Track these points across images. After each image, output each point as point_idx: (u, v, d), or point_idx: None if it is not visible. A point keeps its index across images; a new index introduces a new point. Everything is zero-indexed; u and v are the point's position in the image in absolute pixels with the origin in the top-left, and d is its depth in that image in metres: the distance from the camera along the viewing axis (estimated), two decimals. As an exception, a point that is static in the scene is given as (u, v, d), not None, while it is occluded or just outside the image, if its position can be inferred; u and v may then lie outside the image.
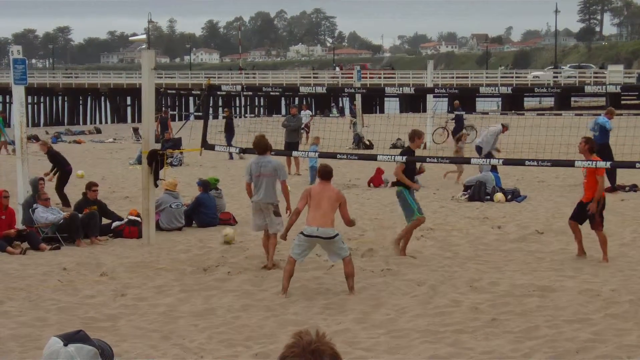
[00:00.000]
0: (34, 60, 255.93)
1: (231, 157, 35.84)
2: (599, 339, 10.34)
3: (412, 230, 15.99)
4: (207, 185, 20.24)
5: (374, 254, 15.96)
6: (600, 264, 14.91)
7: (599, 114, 25.70)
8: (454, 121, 40.36)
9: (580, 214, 15.53)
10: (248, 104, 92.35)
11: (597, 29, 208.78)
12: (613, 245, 16.68)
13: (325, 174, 13.23)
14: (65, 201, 22.08)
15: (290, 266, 12.96)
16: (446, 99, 49.84)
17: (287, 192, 15.24)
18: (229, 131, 37.45)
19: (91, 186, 19.40)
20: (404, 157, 15.61)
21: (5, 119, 42.37)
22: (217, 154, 27.94)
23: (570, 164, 15.87)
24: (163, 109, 48.39)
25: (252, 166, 15.12)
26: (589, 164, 15.28)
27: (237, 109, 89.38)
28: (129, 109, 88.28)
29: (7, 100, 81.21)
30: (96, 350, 3.70)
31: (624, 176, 25.62)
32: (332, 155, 18.10)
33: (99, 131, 60.16)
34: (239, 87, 28.63)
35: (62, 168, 23.16)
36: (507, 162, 18.09)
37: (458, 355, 9.85)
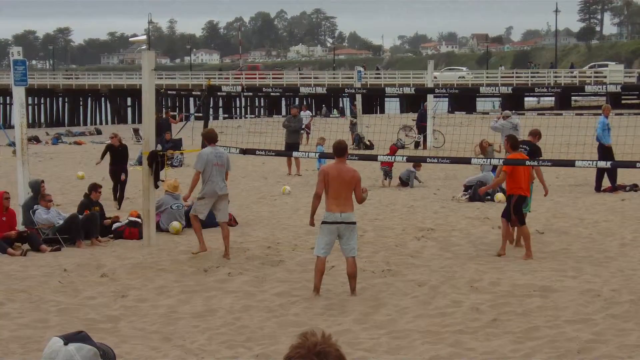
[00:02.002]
0: (34, 62, 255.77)
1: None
2: (599, 339, 10.35)
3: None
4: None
5: (374, 255, 15.98)
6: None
7: (600, 114, 25.67)
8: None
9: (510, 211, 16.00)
10: (248, 104, 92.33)
11: (598, 28, 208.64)
12: (613, 245, 16.76)
13: (340, 150, 12.94)
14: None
15: (320, 265, 12.84)
16: (447, 99, 49.89)
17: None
18: (160, 134, 37.58)
19: (96, 187, 19.44)
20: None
21: None
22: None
23: (570, 163, 15.89)
24: (164, 109, 48.38)
25: (209, 156, 15.98)
26: (588, 165, 15.33)
27: (238, 109, 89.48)
28: (129, 110, 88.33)
29: (8, 101, 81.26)
30: (96, 351, 3.69)
31: (624, 176, 25.64)
32: (333, 156, 18.09)
33: (99, 132, 60.14)
34: (239, 88, 28.63)
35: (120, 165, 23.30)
36: (508, 162, 18.09)
37: (459, 356, 9.86)
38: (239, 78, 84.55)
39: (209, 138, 16.31)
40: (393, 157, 19.67)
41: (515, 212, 15.85)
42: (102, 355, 3.73)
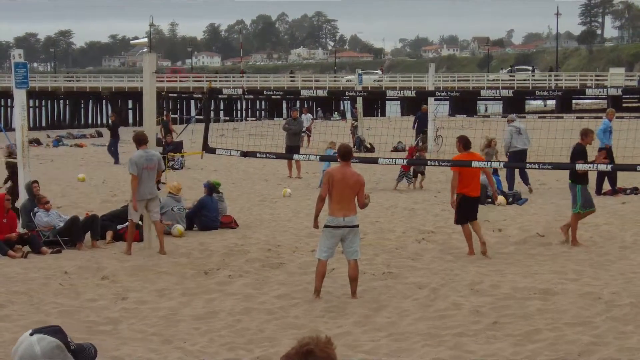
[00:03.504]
0: (35, 64, 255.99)
1: (117, 162, 36.27)
2: (600, 342, 10.35)
3: (576, 221, 16.93)
4: (212, 189, 20.30)
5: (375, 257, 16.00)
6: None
7: (601, 117, 25.70)
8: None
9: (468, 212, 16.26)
10: (249, 107, 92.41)
11: (599, 32, 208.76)
12: (614, 248, 16.78)
13: (346, 154, 12.96)
14: None
15: (322, 268, 12.88)
16: (447, 102, 49.94)
17: (158, 179, 17.02)
18: (115, 136, 37.83)
19: None
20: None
21: None
22: (219, 157, 27.97)
23: (571, 167, 15.91)
24: (165, 112, 48.49)
25: (139, 160, 16.43)
26: (589, 167, 15.37)
27: (239, 112, 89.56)
28: (130, 112, 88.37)
29: (9, 103, 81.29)
30: (59, 343, 3.65)
31: (625, 179, 25.63)
32: (333, 159, 18.12)
33: (100, 135, 60.16)
34: (240, 91, 28.63)
35: None
36: (508, 165, 18.13)
37: (459, 358, 9.87)
38: (162, 80, 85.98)
39: (139, 141, 16.82)
40: (397, 160, 19.67)
41: (455, 210, 16.26)
42: (73, 351, 3.70)
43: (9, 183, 23.23)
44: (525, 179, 25.41)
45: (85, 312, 12.27)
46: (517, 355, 9.95)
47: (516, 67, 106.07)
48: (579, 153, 16.65)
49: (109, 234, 18.13)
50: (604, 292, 12.91)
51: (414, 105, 74.42)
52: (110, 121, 41.43)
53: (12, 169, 22.46)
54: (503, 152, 26.17)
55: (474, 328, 11.15)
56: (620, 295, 12.69)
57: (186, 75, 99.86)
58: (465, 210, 16.17)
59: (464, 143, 16.39)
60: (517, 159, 24.65)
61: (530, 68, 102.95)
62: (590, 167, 15.85)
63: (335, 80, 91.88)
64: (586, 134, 17.02)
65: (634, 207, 22.35)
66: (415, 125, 41.37)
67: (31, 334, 3.65)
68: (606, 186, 24.58)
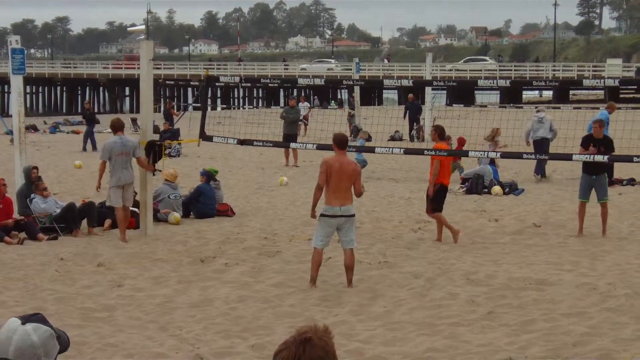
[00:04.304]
0: (32, 50, 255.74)
1: (84, 149, 36.33)
2: (595, 333, 10.39)
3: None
4: (209, 176, 20.31)
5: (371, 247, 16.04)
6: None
7: (598, 107, 25.75)
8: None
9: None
10: (247, 95, 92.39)
11: (596, 22, 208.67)
12: (610, 238, 16.84)
13: (341, 142, 12.99)
14: None
15: (317, 257, 12.90)
16: (444, 92, 49.92)
17: (145, 166, 17.04)
18: (90, 124, 37.90)
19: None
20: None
21: None
22: (216, 145, 27.97)
23: (567, 157, 15.94)
24: (167, 100, 48.48)
25: (113, 146, 16.82)
26: (586, 158, 15.40)
27: (236, 100, 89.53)
28: (127, 100, 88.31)
29: (6, 89, 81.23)
30: (52, 332, 3.75)
31: (621, 170, 25.68)
32: (330, 147, 18.15)
33: (97, 121, 60.09)
34: (237, 79, 28.53)
35: None
36: (505, 155, 18.17)
37: (454, 348, 9.89)
38: (121, 67, 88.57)
39: (114, 127, 17.23)
40: (389, 149, 19.65)
41: (432, 199, 16.51)
42: (57, 338, 3.80)
43: None
44: (538, 168, 25.62)
45: (81, 299, 12.30)
46: (512, 345, 9.97)
47: (470, 57, 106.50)
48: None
49: (107, 222, 18.14)
50: (599, 282, 12.95)
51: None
52: (86, 108, 41.36)
53: None
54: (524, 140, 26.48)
55: (469, 318, 11.18)
56: (615, 286, 12.73)
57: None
58: (442, 199, 16.60)
59: (439, 132, 16.75)
60: (538, 148, 24.89)
61: (486, 58, 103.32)
62: (586, 158, 15.87)
63: (285, 69, 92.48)
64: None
65: (631, 198, 22.43)
66: (406, 115, 41.34)
67: (23, 323, 3.69)
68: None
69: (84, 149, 36.36)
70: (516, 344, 10.03)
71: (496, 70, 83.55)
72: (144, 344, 10.16)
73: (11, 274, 13.86)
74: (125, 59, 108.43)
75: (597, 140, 16.84)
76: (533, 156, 17.86)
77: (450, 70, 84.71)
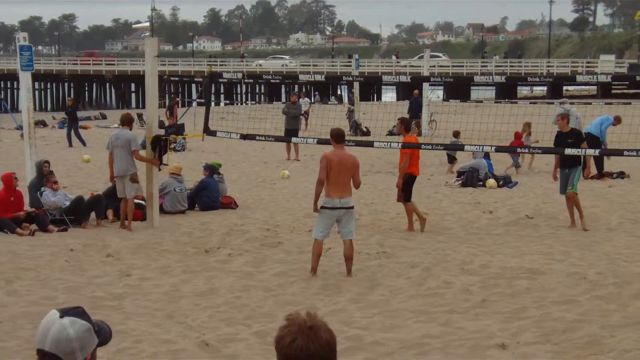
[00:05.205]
0: (40, 47, 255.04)
1: (71, 145, 36.44)
2: (584, 320, 10.54)
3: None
4: (213, 170, 20.54)
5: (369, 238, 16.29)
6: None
7: (590, 102, 26.11)
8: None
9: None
10: (249, 91, 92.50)
11: (591, 19, 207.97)
12: (600, 230, 17.02)
13: (339, 137, 13.22)
14: None
15: (318, 247, 13.10)
16: (442, 87, 50.08)
17: (140, 159, 17.54)
18: (73, 120, 38.00)
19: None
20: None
21: None
22: (220, 140, 28.30)
23: (560, 151, 16.32)
24: (172, 95, 48.67)
25: (112, 139, 17.50)
26: (577, 152, 15.79)
27: (239, 96, 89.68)
28: (133, 95, 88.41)
29: (15, 86, 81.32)
30: (90, 326, 3.73)
31: (612, 163, 26.01)
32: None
33: (104, 117, 60.34)
34: (239, 75, 28.89)
35: None
36: (500, 149, 18.54)
37: (449, 335, 10.04)
38: (76, 63, 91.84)
39: (121, 121, 17.99)
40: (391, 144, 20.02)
41: (403, 189, 16.91)
42: (97, 332, 3.78)
43: None
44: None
45: (91, 288, 12.45)
46: (505, 331, 10.10)
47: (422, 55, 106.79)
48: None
49: (110, 213, 18.40)
50: (589, 272, 13.14)
51: (409, 91, 74.90)
52: (68, 105, 41.31)
53: None
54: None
55: (463, 306, 11.35)
56: (604, 275, 12.91)
57: (99, 59, 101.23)
58: (411, 188, 16.99)
59: (405, 125, 17.06)
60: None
61: (441, 55, 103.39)
62: (578, 152, 16.25)
63: (246, 65, 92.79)
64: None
65: (620, 190, 22.64)
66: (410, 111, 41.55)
67: (61, 317, 3.70)
68: (593, 170, 25.04)
69: (70, 145, 36.45)
70: (508, 330, 10.17)
71: (449, 66, 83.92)
72: (152, 331, 10.31)
73: (23, 264, 14.01)
74: (84, 55, 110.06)
75: (565, 135, 17.08)
76: (527, 150, 18.24)
77: (405, 66, 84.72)
